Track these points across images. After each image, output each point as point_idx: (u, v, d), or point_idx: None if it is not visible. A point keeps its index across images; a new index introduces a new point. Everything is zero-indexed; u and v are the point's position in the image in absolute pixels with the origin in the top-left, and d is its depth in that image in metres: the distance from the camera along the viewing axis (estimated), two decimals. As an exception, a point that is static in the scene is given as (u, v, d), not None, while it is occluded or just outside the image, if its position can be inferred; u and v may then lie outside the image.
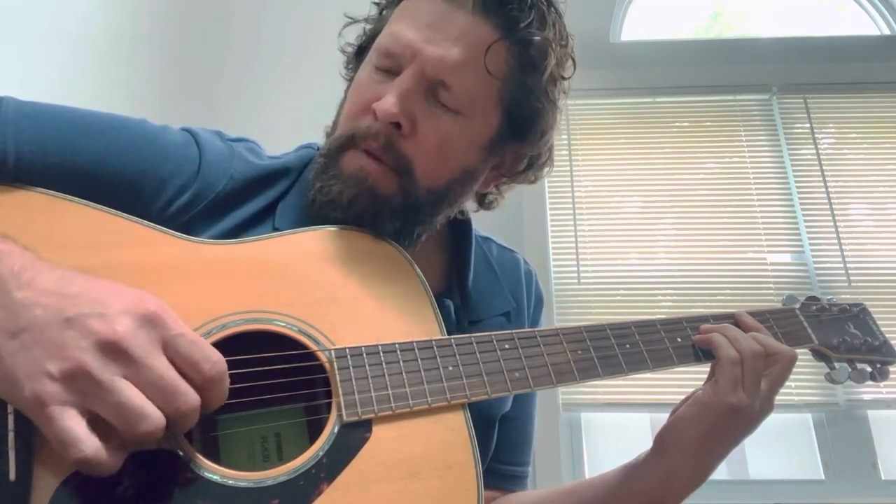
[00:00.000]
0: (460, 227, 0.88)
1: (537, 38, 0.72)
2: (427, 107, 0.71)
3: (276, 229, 0.71)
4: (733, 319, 0.79)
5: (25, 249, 0.52)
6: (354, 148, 0.71)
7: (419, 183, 0.72)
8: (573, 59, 0.79)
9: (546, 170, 0.86)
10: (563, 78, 0.78)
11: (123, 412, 0.45)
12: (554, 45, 0.74)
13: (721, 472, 1.92)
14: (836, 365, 0.82)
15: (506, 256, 0.94)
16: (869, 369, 0.83)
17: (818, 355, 0.84)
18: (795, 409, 1.96)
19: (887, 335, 0.87)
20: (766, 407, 0.71)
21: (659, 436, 0.75)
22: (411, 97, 0.70)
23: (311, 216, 0.72)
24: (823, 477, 1.89)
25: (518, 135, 0.78)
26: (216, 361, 0.50)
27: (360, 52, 0.82)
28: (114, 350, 0.46)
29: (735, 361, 0.71)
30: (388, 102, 0.68)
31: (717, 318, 0.78)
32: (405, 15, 0.73)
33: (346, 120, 0.74)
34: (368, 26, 0.81)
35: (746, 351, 0.71)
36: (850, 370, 0.82)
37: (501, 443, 0.86)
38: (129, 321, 0.48)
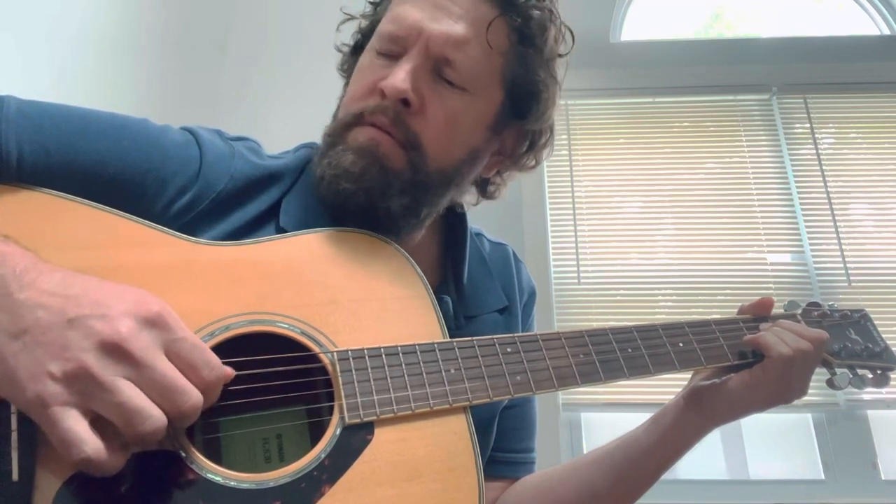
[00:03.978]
0: (455, 221, 0.88)
1: (537, 12, 0.75)
2: (433, 84, 0.72)
3: (281, 229, 0.71)
4: (738, 324, 0.79)
5: (27, 250, 0.52)
6: (361, 124, 0.71)
7: (428, 160, 0.72)
8: (571, 34, 0.81)
9: (546, 151, 0.87)
10: (561, 55, 0.80)
11: (125, 412, 0.46)
12: (553, 20, 0.77)
13: (721, 472, 1.92)
14: (837, 371, 0.82)
15: (497, 251, 0.94)
16: (870, 375, 0.83)
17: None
18: (795, 409, 1.96)
19: (887, 336, 0.87)
20: (805, 389, 0.77)
21: (696, 393, 0.78)
22: (419, 74, 0.71)
23: (319, 196, 0.72)
24: (823, 477, 1.90)
25: (520, 112, 0.79)
26: (215, 367, 0.51)
27: (356, 49, 0.83)
28: (116, 351, 0.47)
29: (787, 361, 0.73)
30: (398, 79, 0.69)
31: (720, 324, 0.78)
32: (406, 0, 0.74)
33: (351, 102, 0.74)
34: (364, 22, 0.82)
35: (797, 350, 0.74)
36: (850, 376, 0.82)
37: (502, 431, 0.86)
38: (132, 322, 0.48)
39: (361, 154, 0.70)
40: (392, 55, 0.73)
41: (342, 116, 0.74)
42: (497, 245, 0.96)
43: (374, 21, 0.79)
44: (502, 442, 0.86)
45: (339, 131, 0.73)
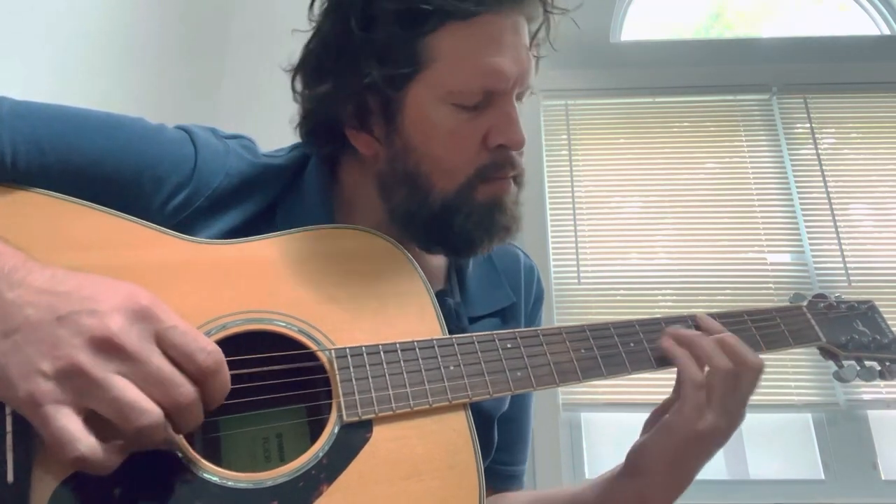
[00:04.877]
0: None
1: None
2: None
3: (279, 230, 0.71)
4: (692, 322, 0.75)
5: (17, 249, 0.52)
6: (487, 181, 0.72)
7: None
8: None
9: None
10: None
11: (119, 407, 0.45)
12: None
13: (721, 472, 1.92)
14: (845, 363, 0.81)
15: (505, 249, 0.93)
16: (878, 367, 0.81)
17: (826, 353, 0.83)
18: (795, 409, 1.96)
19: (890, 335, 0.86)
20: (735, 420, 0.68)
21: (628, 459, 0.72)
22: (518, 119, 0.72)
23: (455, 248, 0.75)
24: (823, 477, 1.89)
25: None
26: (211, 351, 0.50)
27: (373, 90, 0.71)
28: (107, 346, 0.46)
29: (699, 385, 0.66)
30: (521, 135, 0.71)
31: (724, 317, 0.76)
32: (486, 43, 0.68)
33: (461, 166, 0.71)
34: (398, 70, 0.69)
35: (716, 370, 0.67)
36: (858, 368, 0.81)
37: (501, 444, 0.85)
38: (122, 317, 0.48)
39: (506, 207, 0.73)
40: (473, 106, 0.70)
41: (461, 178, 0.71)
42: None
43: (408, 69, 0.69)
44: (500, 454, 0.86)
45: (463, 193, 0.71)
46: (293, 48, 0.78)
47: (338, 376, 0.59)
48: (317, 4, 0.75)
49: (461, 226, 0.72)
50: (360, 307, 0.64)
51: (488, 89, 0.69)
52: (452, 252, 0.78)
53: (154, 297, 0.50)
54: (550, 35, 0.76)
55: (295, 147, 0.81)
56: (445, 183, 0.71)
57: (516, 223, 0.75)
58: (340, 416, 0.57)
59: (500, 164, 0.71)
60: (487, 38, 0.68)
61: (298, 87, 0.77)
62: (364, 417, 0.58)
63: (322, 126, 0.77)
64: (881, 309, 0.89)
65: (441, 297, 0.76)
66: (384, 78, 0.69)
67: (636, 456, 0.72)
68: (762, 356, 0.70)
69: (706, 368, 0.68)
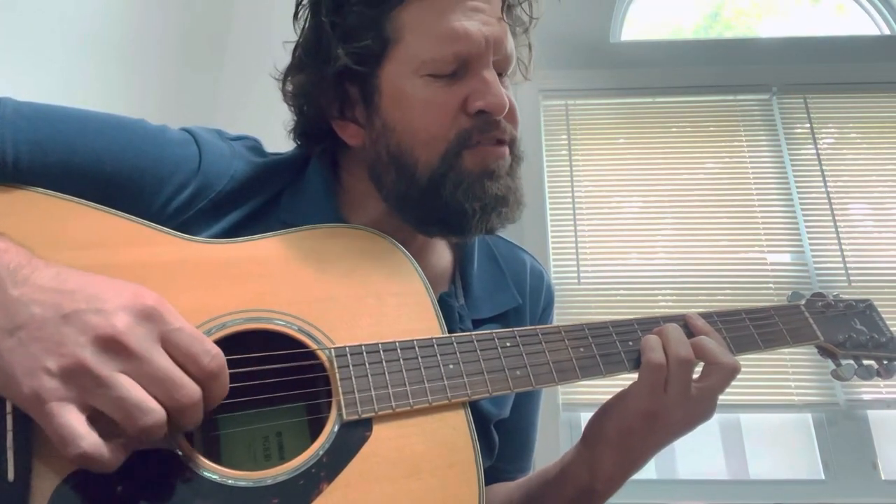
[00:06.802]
0: None
1: None
2: (504, 83, 0.72)
3: (283, 223, 0.71)
4: (683, 321, 0.75)
5: (21, 247, 0.52)
6: (469, 147, 0.69)
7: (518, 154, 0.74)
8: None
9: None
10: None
11: (123, 406, 0.45)
12: None
13: (721, 472, 1.92)
14: (842, 362, 0.81)
15: (512, 252, 0.93)
16: (875, 366, 0.82)
17: (824, 352, 0.83)
18: (795, 409, 1.96)
19: (891, 330, 0.86)
20: (697, 413, 0.68)
21: (586, 427, 0.75)
22: (500, 84, 0.70)
23: (457, 224, 0.70)
24: (823, 477, 1.90)
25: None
26: (215, 355, 0.50)
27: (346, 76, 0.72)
28: (112, 345, 0.46)
29: (655, 367, 0.67)
30: (501, 97, 0.68)
31: (722, 315, 0.77)
32: (451, 8, 0.68)
33: (439, 133, 0.69)
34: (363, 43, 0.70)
35: (673, 357, 0.67)
36: (856, 367, 0.81)
37: (508, 453, 0.86)
38: (127, 316, 0.48)
39: (498, 175, 0.70)
40: (450, 74, 0.69)
41: (444, 146, 0.69)
42: (514, 246, 0.94)
43: (378, 47, 0.70)
44: (505, 463, 0.86)
45: (447, 160, 0.69)
46: (289, 53, 0.78)
47: (337, 375, 0.59)
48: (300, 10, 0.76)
49: (450, 195, 0.69)
50: (360, 306, 0.64)
51: (459, 53, 0.68)
52: (451, 231, 0.73)
53: (160, 298, 0.50)
54: (534, 13, 0.76)
55: (300, 146, 0.81)
56: (428, 154, 0.69)
57: (514, 195, 0.71)
58: (340, 415, 0.57)
59: (482, 129, 0.69)
60: (452, 3, 0.68)
61: (288, 89, 0.78)
62: (364, 416, 0.58)
63: (311, 124, 0.77)
64: (881, 309, 0.89)
65: (445, 299, 0.76)
66: (353, 58, 0.69)
67: (591, 424, 0.74)
68: (761, 355, 0.71)
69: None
